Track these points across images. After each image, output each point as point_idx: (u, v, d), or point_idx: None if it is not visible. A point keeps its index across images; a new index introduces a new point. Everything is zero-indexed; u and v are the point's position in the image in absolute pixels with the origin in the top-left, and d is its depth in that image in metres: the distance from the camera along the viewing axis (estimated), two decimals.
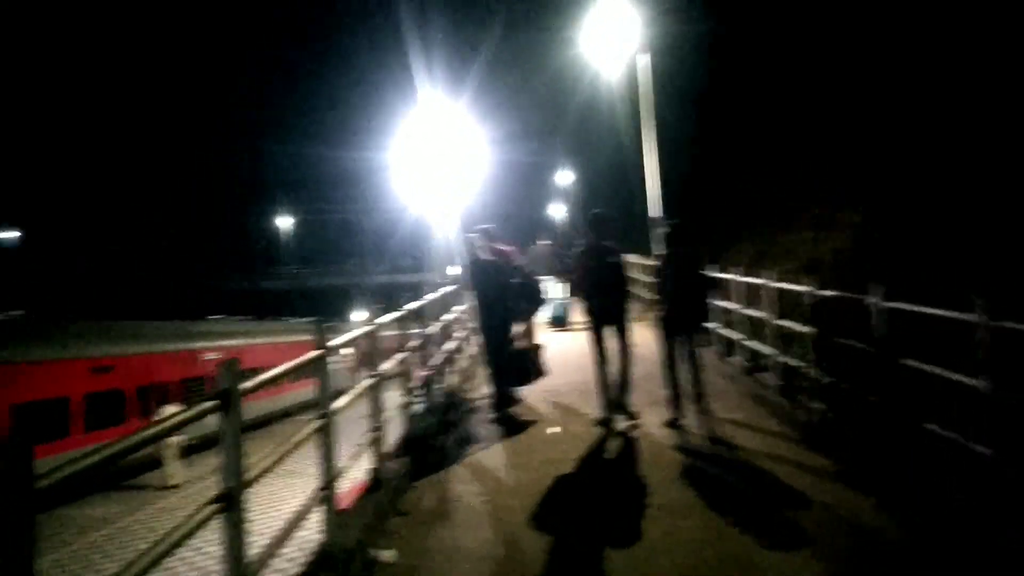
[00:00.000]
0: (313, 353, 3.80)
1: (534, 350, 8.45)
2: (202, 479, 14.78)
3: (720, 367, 9.65)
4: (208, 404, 2.55)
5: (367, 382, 4.95)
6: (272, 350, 22.57)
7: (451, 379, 9.45)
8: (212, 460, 17.14)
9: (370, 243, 65.94)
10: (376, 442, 5.02)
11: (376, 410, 5.06)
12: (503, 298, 7.97)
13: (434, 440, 6.79)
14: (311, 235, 73.50)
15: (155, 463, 14.35)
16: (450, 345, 9.82)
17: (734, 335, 9.64)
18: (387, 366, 5.63)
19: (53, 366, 15.65)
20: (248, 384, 2.82)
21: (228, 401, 2.60)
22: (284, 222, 70.76)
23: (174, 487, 14.15)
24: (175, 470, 14.36)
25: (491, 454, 6.42)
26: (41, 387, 15.04)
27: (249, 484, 2.75)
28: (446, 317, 9.83)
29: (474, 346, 12.90)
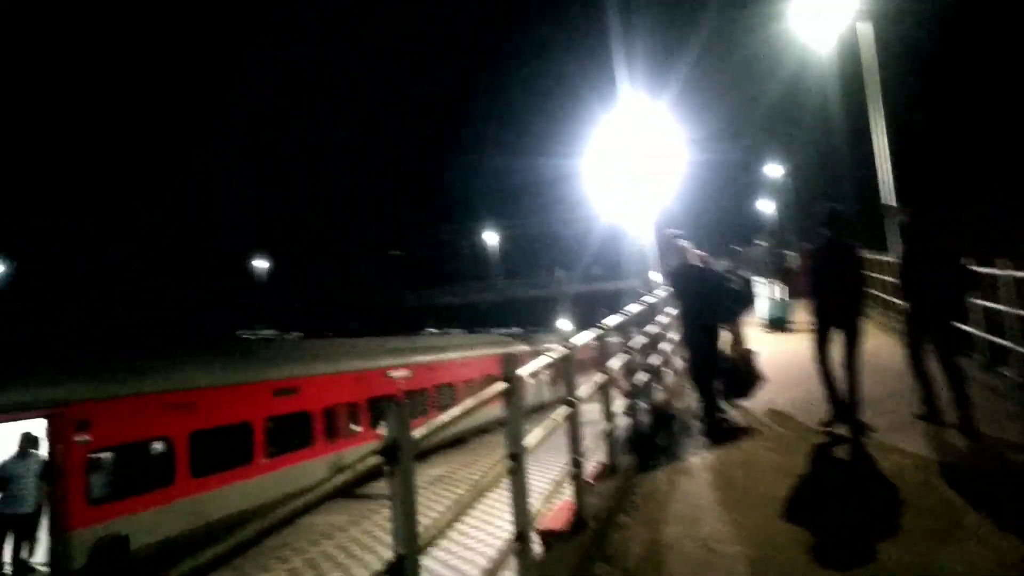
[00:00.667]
0: (500, 386, 3.41)
1: (746, 356, 7.89)
2: (423, 488, 15.70)
3: (985, 380, 8.05)
4: (372, 460, 2.24)
5: (563, 410, 4.50)
6: (467, 364, 23.14)
7: (657, 396, 8.84)
8: (431, 471, 17.35)
9: (567, 252, 66.54)
10: (576, 476, 4.55)
11: (575, 439, 4.60)
12: (711, 304, 7.54)
13: (641, 469, 6.21)
14: (514, 247, 75.67)
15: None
16: (656, 359, 9.15)
17: (1006, 343, 7.99)
18: (586, 389, 5.13)
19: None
20: (421, 432, 2.48)
21: (395, 456, 2.26)
22: (490, 236, 73.51)
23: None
24: None
25: (705, 485, 5.71)
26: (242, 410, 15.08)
27: (423, 548, 2.40)
28: (650, 329, 9.18)
29: (680, 359, 12.16)
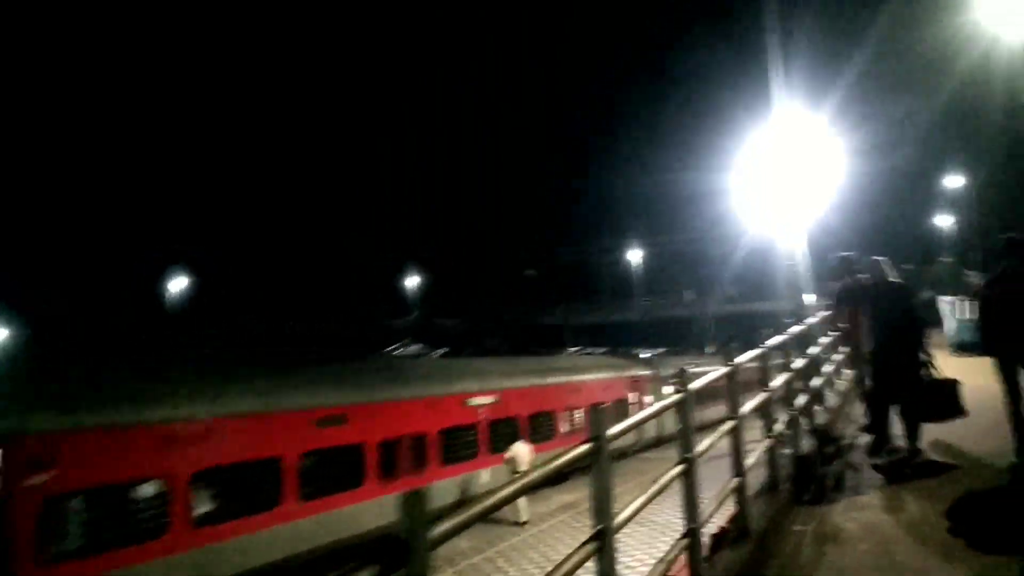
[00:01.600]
0: (674, 398, 3.84)
1: (948, 384, 7.33)
2: (551, 516, 15.31)
3: None
4: (582, 450, 2.75)
5: (727, 425, 4.84)
6: (573, 390, 20.75)
7: (821, 418, 8.83)
8: (557, 497, 17.00)
9: (712, 272, 64.80)
10: (739, 489, 4.86)
11: (738, 455, 4.92)
12: (910, 324, 7.40)
13: (804, 490, 6.34)
14: (656, 265, 74.72)
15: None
16: (817, 381, 9.13)
17: None
18: (748, 407, 5.43)
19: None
20: (617, 429, 2.98)
21: (598, 449, 2.76)
22: (633, 255, 73.14)
23: (524, 523, 14.81)
24: (524, 506, 14.96)
25: (871, 507, 5.78)
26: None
27: (617, 527, 2.89)
28: (812, 350, 9.16)
29: (844, 381, 11.88)
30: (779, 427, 6.47)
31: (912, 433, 7.22)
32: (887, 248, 9.74)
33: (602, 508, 2.78)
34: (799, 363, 7.86)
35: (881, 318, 7.51)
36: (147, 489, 10.01)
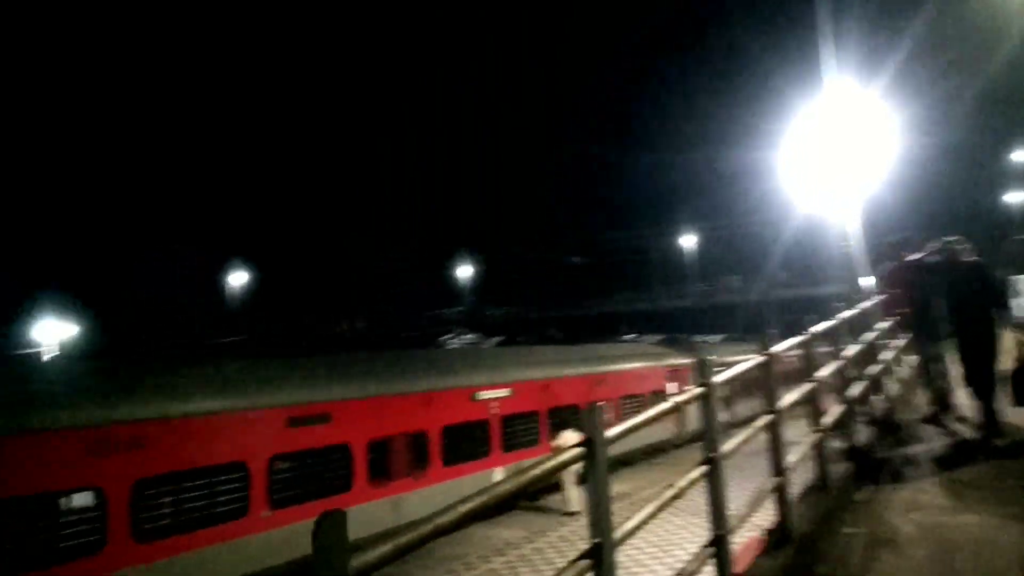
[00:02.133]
0: (696, 391, 3.47)
1: None
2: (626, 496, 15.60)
3: None
4: (573, 453, 2.43)
5: (764, 419, 4.42)
6: (598, 381, 19.41)
7: (879, 407, 8.29)
8: (611, 487, 17.82)
9: (765, 255, 62.93)
10: (780, 488, 4.44)
11: (777, 452, 4.50)
12: (987, 304, 7.31)
13: (858, 486, 5.86)
14: (708, 250, 73.20)
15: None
16: (874, 369, 8.55)
17: None
18: (789, 399, 4.97)
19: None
20: (615, 431, 2.63)
21: (592, 450, 2.43)
22: (686, 240, 71.75)
23: (573, 513, 14.96)
24: (574, 496, 15.12)
25: (933, 507, 5.28)
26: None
27: (620, 540, 2.55)
28: (867, 336, 8.57)
29: (905, 367, 11.28)
30: (828, 419, 6.00)
31: (990, 415, 7.13)
32: (952, 227, 9.05)
33: (600, 520, 2.44)
34: (851, 350, 7.34)
35: (958, 299, 7.43)
36: (76, 500, 8.78)
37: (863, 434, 7.15)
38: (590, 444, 2.45)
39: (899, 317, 9.23)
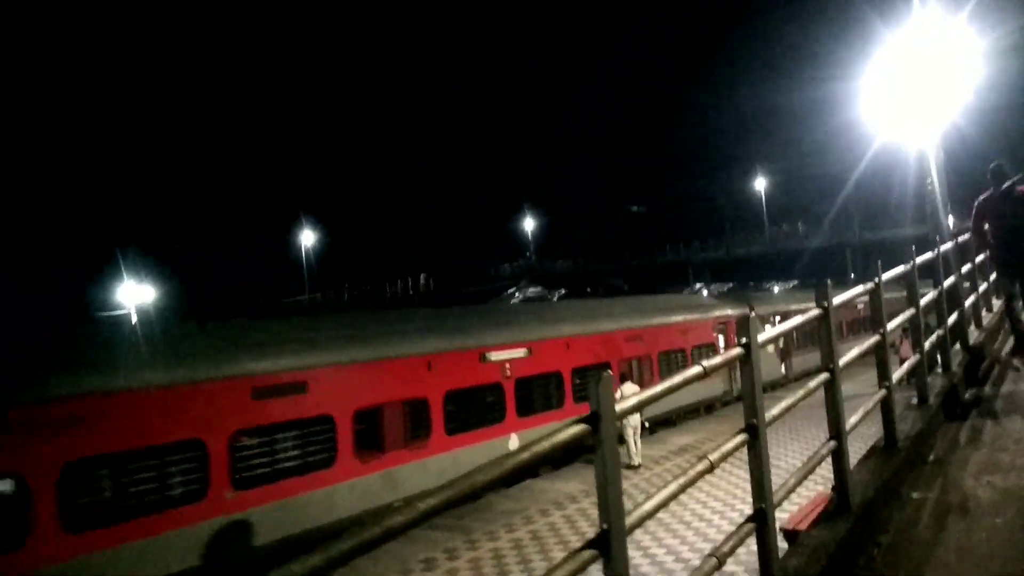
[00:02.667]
0: (735, 352, 3.13)
1: None
2: (666, 459, 15.42)
3: None
4: (576, 429, 2.16)
5: (819, 378, 4.02)
6: (632, 337, 18.03)
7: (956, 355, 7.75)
8: (673, 439, 17.42)
9: (831, 197, 59.96)
10: (836, 454, 4.05)
11: (835, 412, 4.11)
12: None
13: (929, 441, 5.42)
14: (781, 193, 70.45)
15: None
16: (952, 318, 7.91)
17: None
18: (850, 355, 4.53)
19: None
20: (626, 404, 2.35)
21: (597, 425, 2.16)
22: (758, 183, 69.20)
23: (636, 467, 14.61)
24: (636, 451, 14.78)
25: (1018, 468, 4.82)
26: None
27: (635, 524, 2.30)
28: (948, 282, 7.92)
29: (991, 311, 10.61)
30: (898, 374, 5.54)
31: None
32: None
33: (609, 504, 2.19)
34: (927, 298, 6.78)
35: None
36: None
37: (939, 385, 6.63)
38: (595, 419, 2.17)
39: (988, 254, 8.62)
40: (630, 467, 14.80)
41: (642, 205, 78.45)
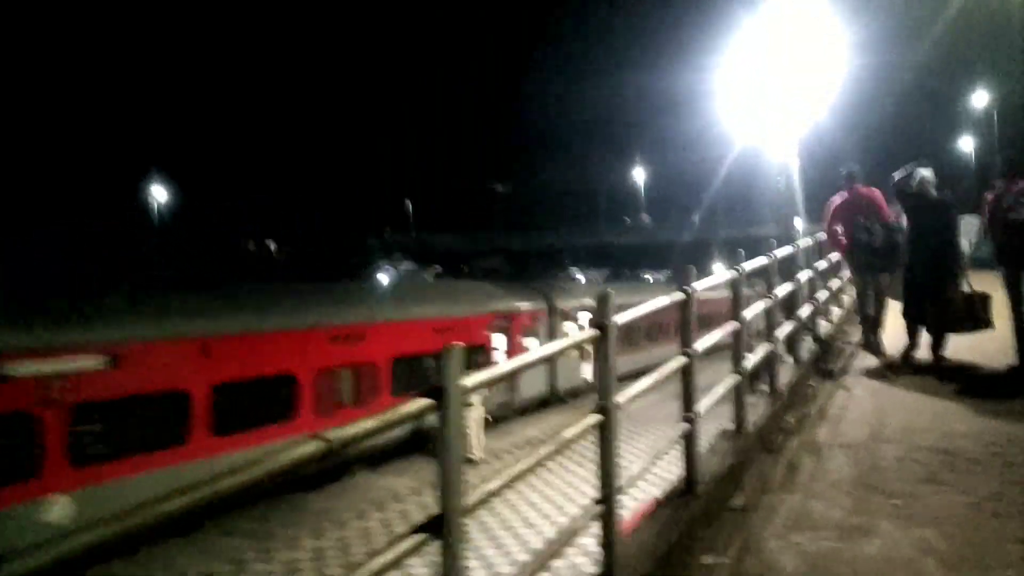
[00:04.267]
0: (589, 333, 3.16)
1: (982, 298, 7.81)
2: (509, 453, 14.33)
3: None
4: (421, 403, 2.09)
5: (675, 363, 4.16)
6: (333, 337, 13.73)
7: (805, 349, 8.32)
8: (521, 431, 16.50)
9: (697, 192, 62.79)
10: (689, 438, 4.19)
11: (689, 396, 4.27)
12: (947, 241, 7.78)
13: (739, 479, 4.93)
14: (663, 184, 73.15)
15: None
16: (805, 311, 8.41)
17: None
18: (707, 341, 4.67)
19: None
20: (474, 379, 2.30)
21: (443, 400, 2.10)
22: (637, 174, 71.57)
23: (474, 461, 13.39)
24: (475, 443, 13.88)
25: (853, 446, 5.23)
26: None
27: (473, 507, 2.26)
28: (802, 277, 8.31)
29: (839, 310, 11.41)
30: (750, 362, 5.80)
31: (938, 343, 7.81)
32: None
33: (450, 483, 2.13)
34: (782, 291, 7.16)
35: (921, 233, 7.78)
36: None
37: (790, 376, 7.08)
38: (440, 394, 2.11)
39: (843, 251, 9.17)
40: (467, 461, 14.12)
41: (511, 185, 78.64)
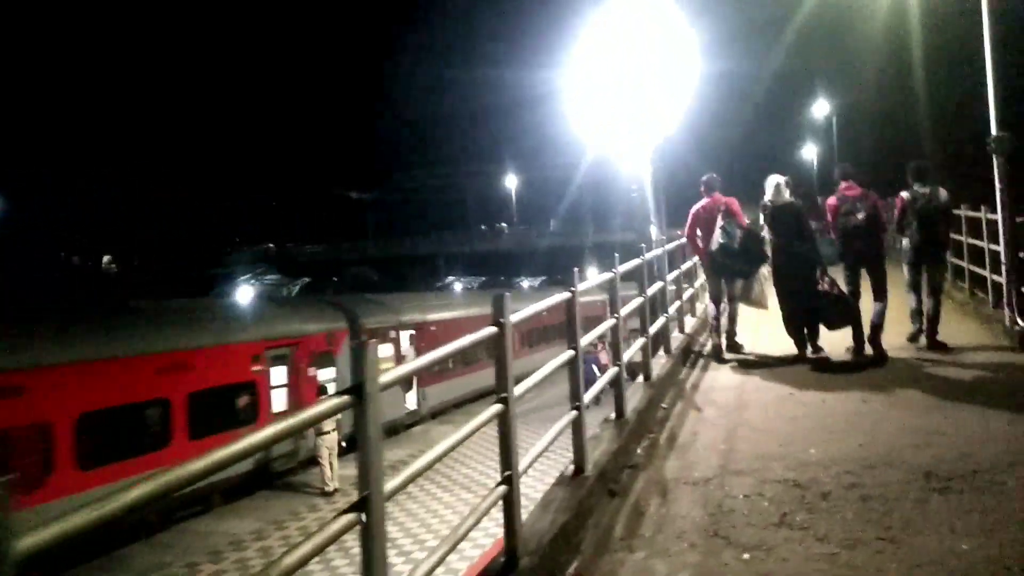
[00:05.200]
0: (489, 331, 3.43)
1: (847, 296, 8.53)
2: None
3: None
4: (341, 399, 2.28)
5: (562, 358, 4.46)
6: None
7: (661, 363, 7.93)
8: (388, 453, 16.28)
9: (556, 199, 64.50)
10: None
11: (575, 390, 4.64)
12: (809, 244, 8.41)
13: (575, 538, 4.28)
14: (534, 191, 74.52)
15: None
16: (659, 323, 8.24)
17: None
18: (592, 335, 5.02)
19: None
20: (392, 375, 2.50)
21: (362, 394, 2.30)
22: (509, 180, 72.81)
23: (332, 492, 13.34)
24: (330, 473, 13.57)
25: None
26: None
27: (393, 491, 2.46)
28: (652, 288, 7.91)
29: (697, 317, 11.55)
30: (593, 391, 5.80)
31: (814, 338, 8.39)
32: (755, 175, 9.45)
33: (371, 469, 2.33)
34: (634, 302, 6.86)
35: (782, 237, 8.36)
36: None
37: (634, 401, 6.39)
38: (359, 390, 2.30)
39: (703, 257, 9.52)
40: (324, 493, 13.69)
41: (377, 192, 77.73)
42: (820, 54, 37.00)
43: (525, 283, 55.22)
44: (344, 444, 14.24)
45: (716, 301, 9.08)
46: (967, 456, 4.83)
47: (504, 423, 3.46)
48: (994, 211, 8.96)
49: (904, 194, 8.74)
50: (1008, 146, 8.41)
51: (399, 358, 19.54)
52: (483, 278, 63.34)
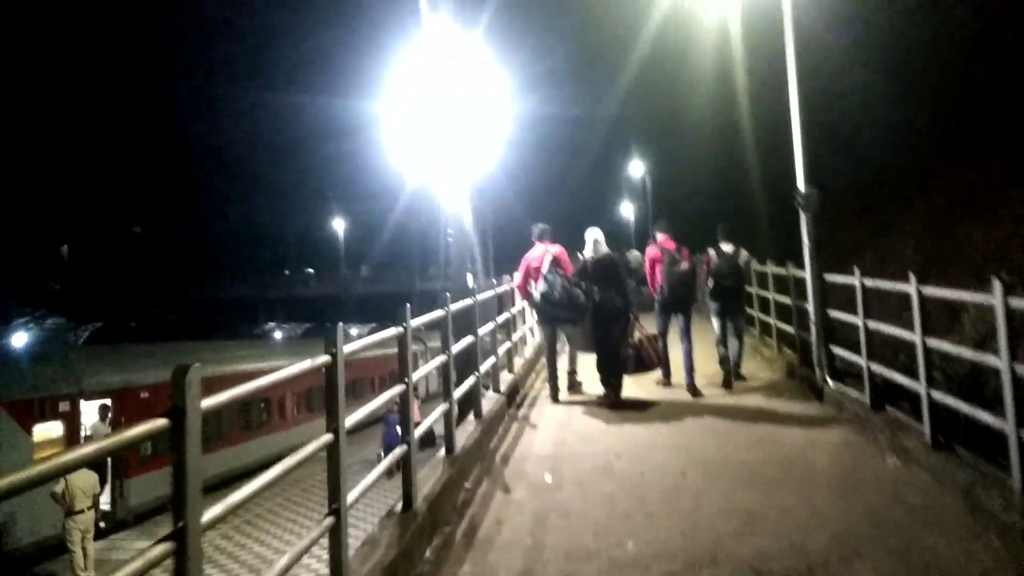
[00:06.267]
0: (322, 359, 3.35)
1: (650, 340, 9.77)
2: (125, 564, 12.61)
3: None
4: (158, 424, 2.14)
5: (320, 441, 3.37)
6: None
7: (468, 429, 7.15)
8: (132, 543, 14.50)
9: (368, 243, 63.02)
10: (404, 459, 4.46)
11: (405, 422, 4.63)
12: (622, 293, 9.02)
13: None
14: (361, 235, 73.14)
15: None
16: (467, 385, 7.27)
17: None
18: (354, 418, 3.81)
19: None
20: (211, 401, 2.40)
21: (181, 421, 2.17)
22: (337, 224, 71.29)
23: None
24: (81, 561, 11.91)
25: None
26: None
27: (210, 524, 2.32)
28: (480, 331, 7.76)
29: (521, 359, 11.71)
30: (382, 466, 4.34)
31: (618, 382, 8.97)
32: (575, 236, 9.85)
33: (188, 497, 2.19)
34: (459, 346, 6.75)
35: (605, 287, 8.87)
36: None
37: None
38: (178, 414, 2.18)
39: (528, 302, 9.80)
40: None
41: (137, 226, 72.91)
42: (638, 118, 39.27)
43: (354, 330, 53.88)
44: (103, 525, 12.93)
45: (550, 346, 9.55)
46: (797, 548, 4.38)
47: (334, 454, 3.40)
48: (801, 267, 9.21)
49: (711, 251, 10.01)
50: (815, 202, 8.64)
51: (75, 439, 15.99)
52: (308, 324, 61.15)
